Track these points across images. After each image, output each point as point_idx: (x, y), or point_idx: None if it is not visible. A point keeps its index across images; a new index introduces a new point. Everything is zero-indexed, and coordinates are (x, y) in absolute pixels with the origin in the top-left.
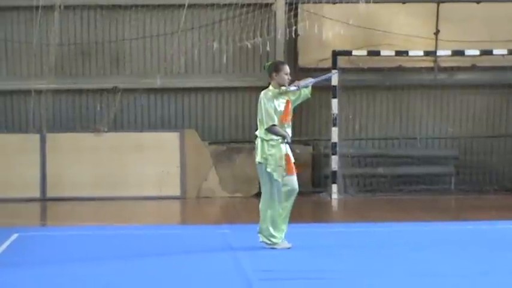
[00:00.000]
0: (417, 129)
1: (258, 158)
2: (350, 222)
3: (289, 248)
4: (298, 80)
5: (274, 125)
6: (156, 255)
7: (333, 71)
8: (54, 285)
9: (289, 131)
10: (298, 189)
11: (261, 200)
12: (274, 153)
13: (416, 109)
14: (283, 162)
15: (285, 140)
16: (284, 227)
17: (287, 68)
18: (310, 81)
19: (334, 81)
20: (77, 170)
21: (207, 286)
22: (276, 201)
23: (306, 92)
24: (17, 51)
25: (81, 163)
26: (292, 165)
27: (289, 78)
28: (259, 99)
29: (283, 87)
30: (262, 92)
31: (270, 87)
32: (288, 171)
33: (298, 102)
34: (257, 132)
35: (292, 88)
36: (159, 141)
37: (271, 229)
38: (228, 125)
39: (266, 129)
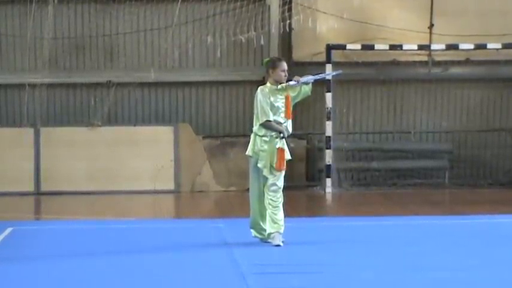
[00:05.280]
0: (411, 123)
1: (248, 151)
2: (344, 216)
3: (280, 245)
4: (298, 75)
5: (268, 121)
6: (151, 249)
7: (338, 71)
8: (48, 279)
9: (288, 125)
10: (281, 187)
11: (250, 193)
12: (267, 149)
13: (411, 103)
14: (275, 159)
15: (281, 135)
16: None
17: (284, 65)
18: (310, 78)
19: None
20: (71, 164)
21: (201, 280)
22: (263, 195)
23: (307, 90)
24: (11, 45)
25: (75, 157)
26: (283, 161)
27: (286, 75)
28: (255, 95)
29: (282, 84)
30: (259, 88)
31: (267, 84)
32: (277, 167)
33: (298, 99)
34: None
35: (292, 83)
36: (153, 135)
37: (261, 223)
38: (222, 119)
39: (261, 125)
